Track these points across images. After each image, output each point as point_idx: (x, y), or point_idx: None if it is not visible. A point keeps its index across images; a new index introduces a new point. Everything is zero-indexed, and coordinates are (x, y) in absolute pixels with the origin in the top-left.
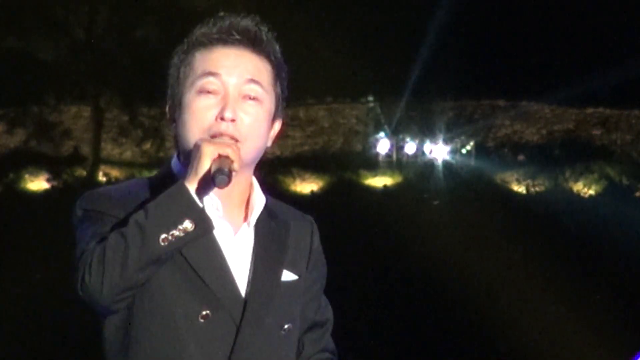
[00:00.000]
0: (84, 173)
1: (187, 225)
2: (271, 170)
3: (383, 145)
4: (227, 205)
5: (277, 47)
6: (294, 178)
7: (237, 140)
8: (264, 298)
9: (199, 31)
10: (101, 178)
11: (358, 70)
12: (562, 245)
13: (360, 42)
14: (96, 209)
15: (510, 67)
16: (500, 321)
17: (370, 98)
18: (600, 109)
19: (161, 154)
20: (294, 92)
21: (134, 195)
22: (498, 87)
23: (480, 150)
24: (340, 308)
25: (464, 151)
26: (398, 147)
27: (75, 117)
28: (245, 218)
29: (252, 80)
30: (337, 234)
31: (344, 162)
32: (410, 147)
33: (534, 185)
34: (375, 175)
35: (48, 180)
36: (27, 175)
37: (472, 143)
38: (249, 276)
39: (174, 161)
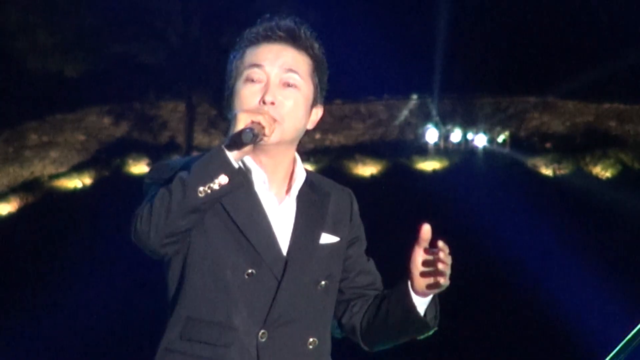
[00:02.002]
0: (178, 157)
1: (222, 179)
2: (338, 156)
3: (431, 134)
4: (272, 178)
5: (316, 44)
6: (357, 163)
7: (276, 121)
8: (302, 258)
9: (250, 30)
10: None
11: (411, 70)
12: (583, 217)
13: (413, 46)
14: (160, 177)
15: (539, 68)
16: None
17: (421, 94)
18: (616, 104)
19: None
20: (357, 91)
21: (191, 165)
22: (529, 86)
23: (513, 139)
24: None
25: (500, 140)
26: (444, 137)
27: (172, 111)
28: (288, 190)
29: (290, 70)
30: (393, 208)
31: (398, 150)
32: (455, 136)
33: (559, 169)
34: (425, 161)
35: (148, 165)
36: (130, 161)
37: (507, 133)
38: (290, 239)
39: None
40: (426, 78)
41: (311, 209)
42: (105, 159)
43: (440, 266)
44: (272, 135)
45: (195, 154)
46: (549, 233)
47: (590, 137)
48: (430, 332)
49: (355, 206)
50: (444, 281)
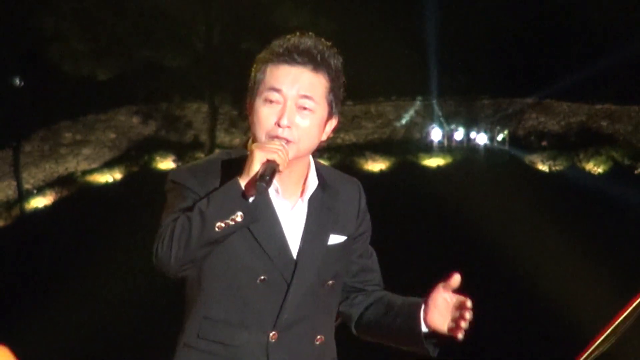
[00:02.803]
0: (203, 156)
1: (238, 215)
2: (349, 153)
3: (436, 133)
4: (286, 184)
5: (334, 61)
6: (367, 159)
7: (290, 142)
8: (311, 261)
9: (274, 47)
10: None
11: (417, 74)
12: (576, 210)
13: (419, 51)
14: (181, 183)
15: (536, 71)
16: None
17: (427, 96)
18: (607, 105)
19: None
20: (367, 92)
21: (213, 171)
22: (527, 88)
23: (512, 137)
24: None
25: (499, 138)
26: (448, 135)
27: (196, 112)
28: (302, 194)
29: (306, 96)
30: (401, 201)
31: (405, 147)
32: (458, 135)
33: (554, 165)
34: (430, 157)
35: (174, 162)
36: (157, 158)
37: (506, 132)
38: (300, 243)
39: (249, 143)
40: (431, 81)
41: (322, 211)
42: (134, 155)
43: (462, 324)
44: (288, 154)
45: (217, 151)
46: (545, 224)
47: (584, 136)
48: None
49: (363, 201)
50: (461, 336)
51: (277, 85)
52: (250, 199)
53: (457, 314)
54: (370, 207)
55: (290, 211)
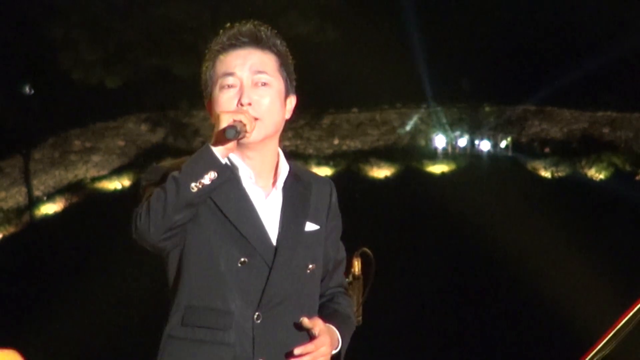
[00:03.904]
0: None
1: (212, 174)
2: (355, 160)
3: (440, 140)
4: (259, 173)
5: (278, 41)
6: (372, 166)
7: (257, 119)
8: (290, 245)
9: (216, 41)
10: None
11: (421, 82)
12: (579, 214)
13: (423, 60)
14: (154, 179)
15: (539, 80)
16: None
17: (431, 103)
18: (609, 112)
19: None
20: (373, 99)
21: (179, 166)
22: (529, 95)
23: (515, 144)
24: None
25: (503, 145)
26: (452, 142)
27: (203, 119)
28: (274, 183)
29: (259, 71)
30: (405, 207)
31: (410, 154)
32: (461, 142)
33: (557, 172)
34: (434, 164)
35: None
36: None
37: (509, 139)
38: (278, 228)
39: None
40: (435, 89)
41: (296, 199)
42: (142, 162)
43: None
44: (256, 133)
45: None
46: (547, 230)
47: (586, 143)
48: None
49: (334, 197)
50: None
51: (229, 70)
52: (222, 160)
53: None
54: (376, 212)
55: (265, 199)
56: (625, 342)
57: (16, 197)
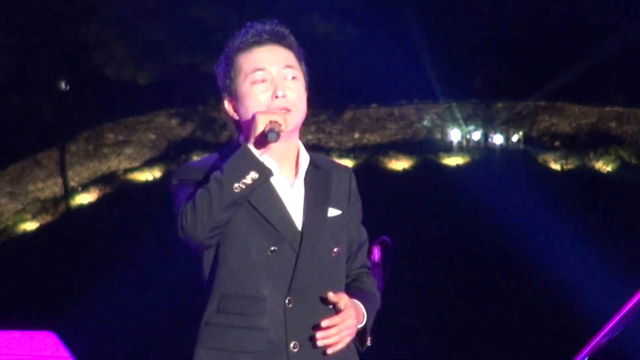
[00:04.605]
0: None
1: (253, 175)
2: (374, 153)
3: (455, 134)
4: (282, 165)
5: (294, 39)
6: (390, 159)
7: (289, 110)
8: (315, 231)
9: (237, 40)
10: None
11: (437, 78)
12: (587, 204)
13: (440, 58)
14: (186, 178)
15: (549, 76)
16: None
17: (447, 99)
18: (616, 108)
19: None
20: (391, 96)
21: (212, 165)
22: (540, 91)
23: (526, 138)
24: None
25: (514, 139)
26: (467, 136)
27: None
28: (296, 173)
29: (288, 66)
30: (422, 197)
31: (427, 147)
32: (475, 136)
33: (566, 164)
34: (450, 157)
35: None
36: (194, 157)
37: (520, 133)
38: (303, 216)
39: (241, 138)
40: (451, 85)
41: (317, 187)
42: (172, 155)
43: (327, 333)
44: (288, 125)
45: (208, 154)
46: (557, 219)
47: (594, 136)
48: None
49: (354, 182)
50: (330, 348)
51: (259, 65)
52: (261, 158)
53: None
54: (394, 202)
55: (290, 189)
56: (630, 329)
57: (52, 187)
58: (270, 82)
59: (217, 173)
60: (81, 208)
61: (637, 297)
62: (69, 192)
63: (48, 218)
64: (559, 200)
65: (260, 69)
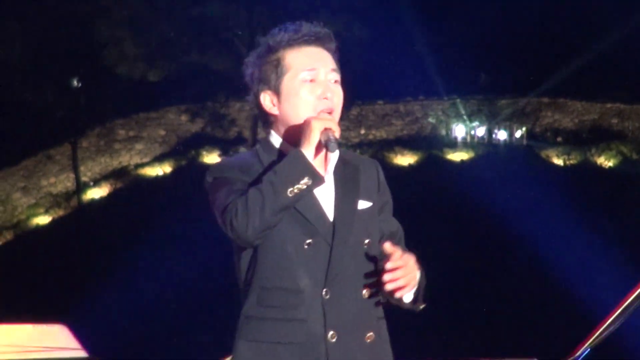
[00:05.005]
0: (245, 150)
1: (307, 180)
2: (380, 148)
3: (460, 130)
4: (313, 161)
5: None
6: (396, 154)
7: (332, 111)
8: (346, 224)
9: (284, 35)
10: None
11: (442, 75)
12: (589, 198)
13: (445, 56)
14: (223, 175)
15: (552, 73)
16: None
17: (451, 96)
18: (617, 104)
19: None
20: (397, 92)
21: (248, 162)
22: (543, 88)
23: (530, 133)
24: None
25: (518, 135)
26: (471, 132)
27: (239, 110)
28: (326, 168)
29: (334, 70)
30: (428, 191)
31: (432, 143)
32: (479, 132)
33: (569, 159)
34: (454, 152)
35: (219, 156)
36: (204, 153)
37: (524, 129)
38: (334, 210)
39: (273, 137)
40: (455, 82)
41: (346, 181)
42: (182, 150)
43: (389, 286)
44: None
45: (242, 150)
46: (559, 212)
47: (595, 132)
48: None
49: (381, 175)
50: (398, 292)
51: (310, 65)
52: (314, 164)
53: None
54: (399, 197)
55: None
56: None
57: (65, 182)
58: (318, 83)
59: (269, 175)
60: (93, 202)
61: (636, 291)
62: (81, 187)
63: (60, 212)
64: (562, 195)
65: (310, 69)
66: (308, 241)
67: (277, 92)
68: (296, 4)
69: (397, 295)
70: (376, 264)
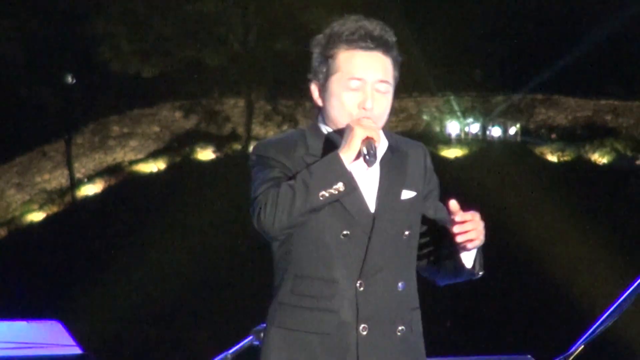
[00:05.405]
0: (239, 147)
1: (340, 186)
2: None
3: (454, 127)
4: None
5: (394, 40)
6: None
7: (374, 121)
8: (387, 215)
9: (343, 32)
10: None
11: (437, 71)
12: (583, 194)
13: (438, 52)
14: (265, 155)
15: (546, 70)
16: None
17: (445, 92)
18: (611, 101)
19: None
20: None
21: (293, 144)
22: (537, 85)
23: (524, 130)
24: None
25: (512, 131)
26: (464, 129)
27: (233, 107)
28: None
29: (383, 80)
30: None
31: (425, 139)
32: (473, 128)
33: (563, 156)
34: (448, 149)
35: (214, 152)
36: (198, 149)
37: (518, 125)
38: (376, 199)
39: (320, 120)
40: (450, 79)
41: (393, 170)
42: (176, 147)
43: (460, 238)
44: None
45: (293, 129)
46: (553, 209)
47: (589, 129)
48: (479, 276)
49: (429, 161)
50: (470, 243)
51: (357, 74)
52: (350, 170)
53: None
54: None
55: (365, 172)
56: (626, 315)
57: (59, 179)
58: (362, 92)
59: (304, 174)
60: (87, 199)
61: (632, 287)
62: (75, 183)
63: (54, 209)
64: (556, 191)
65: (357, 78)
66: (345, 232)
67: (323, 88)
68: (290, 1)
69: (470, 246)
70: (431, 237)
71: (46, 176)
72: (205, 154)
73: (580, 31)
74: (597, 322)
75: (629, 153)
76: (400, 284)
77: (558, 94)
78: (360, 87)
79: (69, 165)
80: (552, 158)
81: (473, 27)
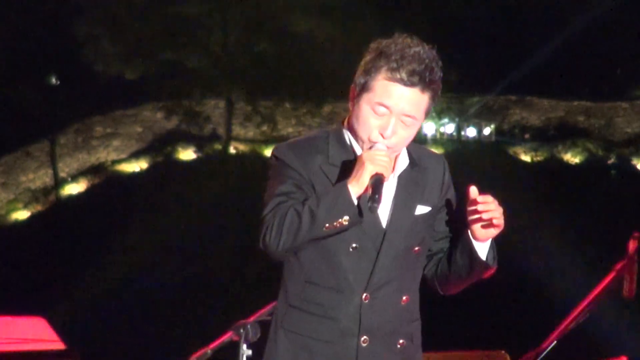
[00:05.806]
0: (220, 147)
1: (345, 219)
2: None
3: (429, 127)
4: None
5: (440, 74)
6: None
7: (389, 148)
8: (399, 229)
9: (391, 57)
10: (232, 151)
11: None
12: (556, 193)
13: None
14: (284, 160)
15: (519, 72)
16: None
17: None
18: (583, 102)
19: (274, 134)
20: None
21: (314, 149)
22: (511, 86)
23: (498, 131)
24: None
25: (487, 132)
26: (440, 129)
27: (214, 107)
28: (393, 170)
29: (409, 115)
30: None
31: None
32: (448, 129)
33: (536, 156)
34: None
35: (195, 152)
36: (179, 149)
37: (492, 126)
38: (389, 214)
39: (345, 129)
40: None
41: (410, 185)
42: (158, 147)
43: (484, 216)
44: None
45: (311, 132)
46: (527, 208)
47: (562, 130)
48: (493, 271)
49: (447, 175)
50: (493, 228)
51: (386, 103)
52: (356, 203)
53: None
54: None
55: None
56: (597, 312)
57: (43, 178)
58: (386, 119)
59: (312, 203)
60: (71, 198)
61: (603, 283)
62: (59, 183)
63: (39, 207)
64: (529, 191)
65: (384, 106)
66: (354, 245)
67: (357, 96)
68: (269, 4)
69: (491, 231)
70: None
71: (30, 176)
72: (187, 154)
73: (552, 33)
74: (568, 318)
75: (600, 153)
76: (404, 297)
77: (531, 95)
78: (385, 113)
79: (53, 165)
80: (526, 158)
81: (447, 28)
